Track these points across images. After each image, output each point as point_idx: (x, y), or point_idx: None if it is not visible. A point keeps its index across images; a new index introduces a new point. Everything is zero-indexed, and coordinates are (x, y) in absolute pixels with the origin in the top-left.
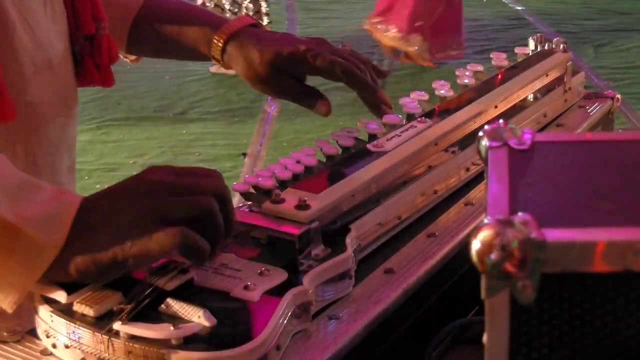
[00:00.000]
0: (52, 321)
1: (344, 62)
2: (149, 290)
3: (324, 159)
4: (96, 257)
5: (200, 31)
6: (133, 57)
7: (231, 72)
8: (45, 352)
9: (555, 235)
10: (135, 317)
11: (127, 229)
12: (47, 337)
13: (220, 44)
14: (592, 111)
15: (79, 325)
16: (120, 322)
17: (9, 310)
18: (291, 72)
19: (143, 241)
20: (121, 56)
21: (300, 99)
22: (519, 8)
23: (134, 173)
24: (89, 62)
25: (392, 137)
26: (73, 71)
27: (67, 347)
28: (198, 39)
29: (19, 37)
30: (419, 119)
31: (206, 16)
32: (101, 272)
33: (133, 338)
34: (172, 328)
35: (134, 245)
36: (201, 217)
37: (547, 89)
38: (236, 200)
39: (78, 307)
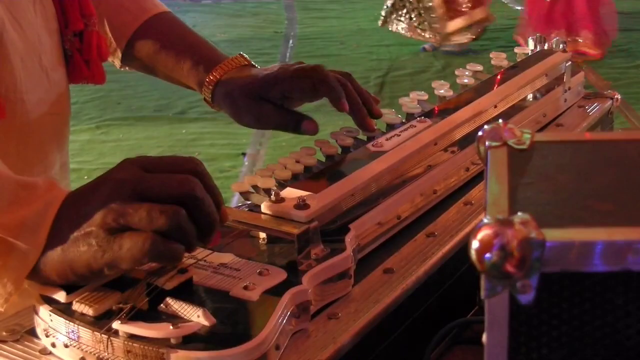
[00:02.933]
0: (51, 320)
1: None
2: (148, 290)
3: (323, 159)
4: (73, 264)
5: (193, 70)
6: (119, 64)
7: None
8: (44, 351)
9: (554, 235)
10: (135, 317)
11: (95, 238)
12: (47, 336)
13: (210, 87)
14: (591, 111)
15: (78, 325)
16: (119, 322)
17: (1, 309)
18: (268, 95)
19: (113, 250)
20: (111, 60)
21: (284, 124)
22: (519, 8)
23: None
24: (78, 58)
25: (391, 137)
26: (64, 69)
27: (66, 346)
28: (190, 76)
29: (8, 36)
30: (418, 118)
31: (202, 52)
32: (81, 279)
33: (132, 337)
34: (171, 327)
35: (104, 255)
36: (184, 198)
37: (546, 89)
38: (235, 199)
39: (77, 307)
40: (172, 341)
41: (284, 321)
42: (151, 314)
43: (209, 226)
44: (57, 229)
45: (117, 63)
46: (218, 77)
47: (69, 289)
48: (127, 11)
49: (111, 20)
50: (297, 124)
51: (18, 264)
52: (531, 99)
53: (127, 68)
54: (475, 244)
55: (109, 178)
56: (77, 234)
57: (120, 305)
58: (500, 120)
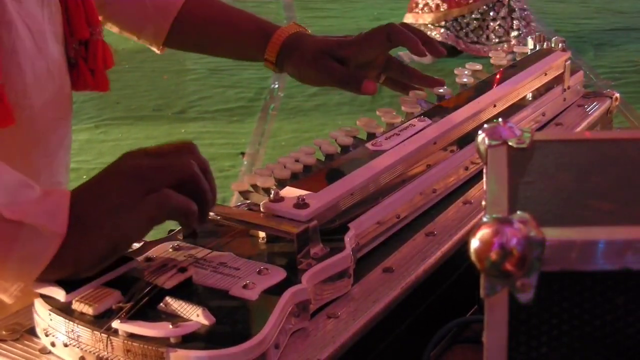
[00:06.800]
0: (51, 320)
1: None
2: (147, 289)
3: (322, 158)
4: (93, 244)
5: (255, 34)
6: (160, 47)
7: None
8: (44, 350)
9: (554, 234)
10: (134, 316)
11: (115, 211)
12: (46, 335)
13: (276, 47)
14: (590, 110)
15: (77, 324)
16: (119, 321)
17: (9, 301)
18: (338, 54)
19: (132, 216)
20: (148, 45)
21: (347, 81)
22: None
23: None
24: (83, 66)
25: (391, 136)
26: (68, 74)
27: (66, 345)
28: (251, 41)
29: (20, 41)
30: (417, 117)
31: (255, 19)
32: (100, 258)
33: (132, 336)
34: (170, 326)
35: (123, 225)
36: (184, 179)
37: (546, 88)
38: (235, 198)
39: (77, 306)
40: (172, 340)
41: (284, 320)
42: (151, 313)
43: (205, 204)
44: (74, 214)
45: (157, 48)
46: (284, 37)
47: (69, 288)
48: None
49: (154, 3)
50: (359, 82)
51: (42, 250)
52: (530, 98)
53: (161, 48)
54: (475, 243)
55: (121, 164)
56: (97, 214)
57: (120, 305)
58: (500, 119)
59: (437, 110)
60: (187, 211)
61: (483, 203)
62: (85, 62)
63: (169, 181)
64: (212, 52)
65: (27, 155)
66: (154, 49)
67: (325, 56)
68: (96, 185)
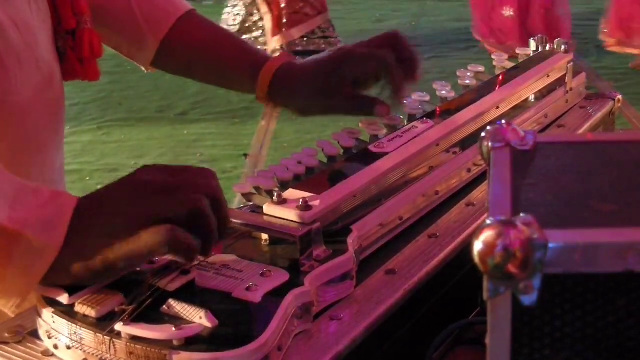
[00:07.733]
0: (53, 322)
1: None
2: (150, 291)
3: (325, 160)
4: (88, 260)
5: (245, 65)
6: (148, 66)
7: None
8: (46, 353)
9: (557, 236)
10: (137, 318)
11: (115, 232)
12: (49, 337)
13: (267, 80)
14: (593, 112)
15: (80, 326)
16: (122, 323)
17: (11, 315)
18: (342, 73)
19: (130, 242)
20: (133, 61)
21: (356, 110)
22: None
23: None
24: (72, 55)
25: (393, 138)
26: (59, 68)
27: (68, 348)
28: (240, 72)
29: (6, 39)
30: (420, 119)
31: (249, 49)
32: (94, 276)
33: (135, 339)
34: (173, 329)
35: (122, 247)
36: (190, 215)
37: (548, 90)
38: (237, 200)
39: (80, 308)
40: (175, 343)
41: (287, 322)
42: (153, 316)
43: (208, 241)
44: (75, 226)
45: (145, 65)
46: (275, 67)
47: (72, 290)
48: (158, 8)
49: (145, 16)
50: (369, 109)
51: (36, 262)
52: (533, 100)
53: (148, 70)
54: (478, 245)
55: (134, 179)
56: (98, 231)
57: (123, 307)
58: (504, 121)
59: (439, 112)
60: (188, 250)
61: (487, 205)
62: (74, 51)
63: (176, 214)
64: (201, 79)
65: (16, 152)
66: (141, 66)
67: (327, 92)
68: (105, 198)
